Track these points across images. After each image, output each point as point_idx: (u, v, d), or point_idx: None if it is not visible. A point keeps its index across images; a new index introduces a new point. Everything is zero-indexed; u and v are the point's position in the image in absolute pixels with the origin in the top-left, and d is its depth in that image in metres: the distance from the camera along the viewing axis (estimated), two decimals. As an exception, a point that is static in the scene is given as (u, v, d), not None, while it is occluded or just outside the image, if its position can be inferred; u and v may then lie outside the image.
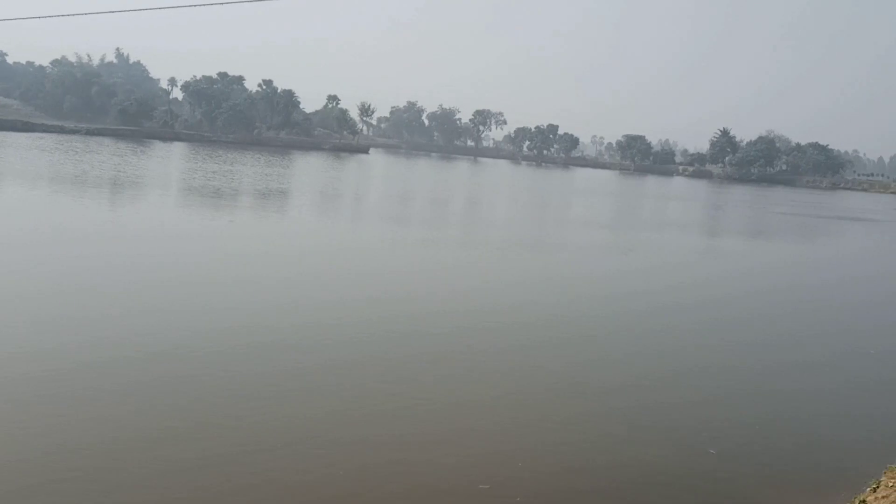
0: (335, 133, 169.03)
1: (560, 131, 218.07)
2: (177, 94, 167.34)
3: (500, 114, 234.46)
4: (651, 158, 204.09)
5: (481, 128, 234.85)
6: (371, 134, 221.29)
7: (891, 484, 9.25)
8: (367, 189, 65.38)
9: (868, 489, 9.56)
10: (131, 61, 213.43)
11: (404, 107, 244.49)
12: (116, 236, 27.23)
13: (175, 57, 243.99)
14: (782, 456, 11.69)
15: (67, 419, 10.93)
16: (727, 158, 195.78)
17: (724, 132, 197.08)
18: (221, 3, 22.97)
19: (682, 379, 15.31)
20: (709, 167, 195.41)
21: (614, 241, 40.02)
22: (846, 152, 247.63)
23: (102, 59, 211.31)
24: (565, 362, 15.78)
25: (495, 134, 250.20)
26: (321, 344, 15.61)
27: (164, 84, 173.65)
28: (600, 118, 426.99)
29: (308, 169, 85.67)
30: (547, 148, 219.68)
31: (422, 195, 63.21)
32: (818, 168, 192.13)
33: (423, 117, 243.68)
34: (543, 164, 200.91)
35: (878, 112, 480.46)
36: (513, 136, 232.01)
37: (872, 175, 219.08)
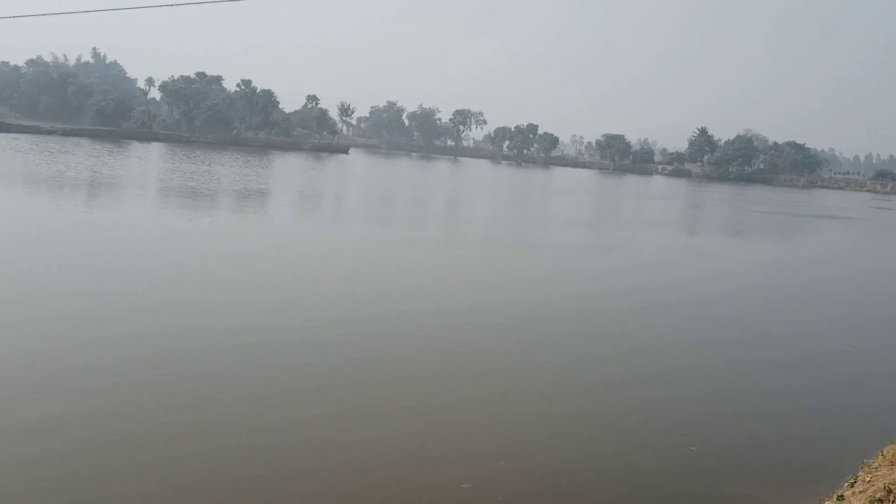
0: (315, 133, 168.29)
1: (540, 131, 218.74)
2: (154, 94, 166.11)
3: (480, 113, 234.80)
4: (630, 158, 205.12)
5: (461, 127, 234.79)
6: (351, 134, 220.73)
7: (868, 479, 9.34)
8: (348, 189, 65.17)
9: (846, 484, 9.65)
10: (108, 61, 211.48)
11: (384, 106, 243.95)
12: (87, 236, 26.90)
13: (152, 57, 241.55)
14: (762, 452, 11.78)
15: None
16: (706, 157, 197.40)
17: (703, 131, 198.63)
18: (199, 3, 22.78)
19: (662, 377, 15.39)
20: (688, 166, 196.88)
21: (595, 241, 40.19)
22: (823, 151, 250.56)
23: (79, 59, 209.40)
24: (544, 362, 15.80)
25: (475, 134, 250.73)
26: (300, 344, 15.52)
27: (141, 84, 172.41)
28: (580, 118, 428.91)
29: (287, 169, 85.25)
30: (527, 147, 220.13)
31: (402, 195, 63.10)
32: (795, 167, 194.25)
33: (404, 117, 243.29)
34: (523, 163, 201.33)
35: (855, 112, 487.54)
36: (493, 135, 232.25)
37: (849, 174, 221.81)
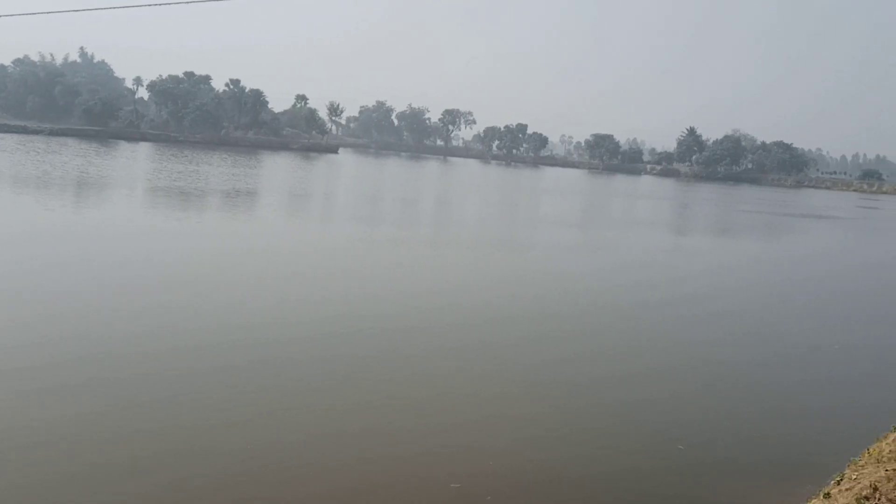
0: (304, 133, 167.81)
1: (529, 131, 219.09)
2: (142, 93, 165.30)
3: (470, 113, 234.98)
4: (619, 157, 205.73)
5: (451, 127, 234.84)
6: (340, 134, 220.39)
7: (854, 476, 9.39)
8: (337, 189, 65.05)
9: (832, 482, 9.69)
10: (95, 60, 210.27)
11: (373, 106, 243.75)
12: (74, 236, 26.74)
13: (140, 56, 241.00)
14: (749, 450, 11.82)
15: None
16: (694, 157, 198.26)
17: (691, 131, 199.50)
18: (187, 3, 22.69)
19: (650, 375, 15.42)
20: (676, 166, 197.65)
21: (584, 240, 40.25)
22: (810, 151, 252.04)
23: (66, 59, 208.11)
24: (531, 361, 15.79)
25: (465, 133, 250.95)
26: (286, 343, 15.45)
27: (129, 83, 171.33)
28: (570, 118, 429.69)
29: (276, 169, 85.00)
30: (516, 147, 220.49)
31: (392, 195, 63.04)
32: (783, 166, 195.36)
33: (393, 117, 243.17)
34: (513, 163, 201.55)
35: (842, 112, 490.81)
36: (482, 135, 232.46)
37: (836, 173, 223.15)
